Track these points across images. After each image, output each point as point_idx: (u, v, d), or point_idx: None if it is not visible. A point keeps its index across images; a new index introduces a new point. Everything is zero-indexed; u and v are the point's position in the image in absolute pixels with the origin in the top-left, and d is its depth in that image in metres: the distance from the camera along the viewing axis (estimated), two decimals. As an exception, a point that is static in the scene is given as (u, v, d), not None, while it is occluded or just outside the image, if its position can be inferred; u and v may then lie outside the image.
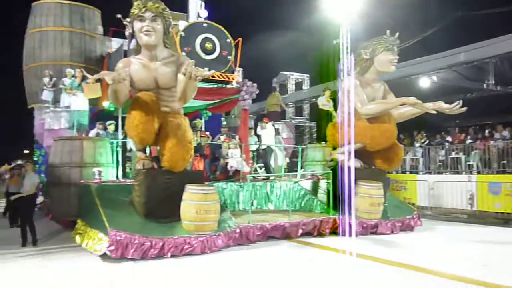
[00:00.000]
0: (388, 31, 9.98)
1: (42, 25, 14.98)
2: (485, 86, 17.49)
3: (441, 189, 13.27)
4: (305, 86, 24.67)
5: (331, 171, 9.91)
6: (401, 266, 6.49)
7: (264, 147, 12.76)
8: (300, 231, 8.87)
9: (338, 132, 10.27)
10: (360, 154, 10.18)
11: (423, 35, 20.73)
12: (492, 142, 14.23)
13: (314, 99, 22.97)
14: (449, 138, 16.22)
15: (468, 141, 15.33)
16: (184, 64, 7.09)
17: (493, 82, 17.11)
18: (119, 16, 8.19)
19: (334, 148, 10.71)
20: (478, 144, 14.67)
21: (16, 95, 16.12)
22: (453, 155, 14.70)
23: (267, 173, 12.03)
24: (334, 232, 9.15)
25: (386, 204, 9.87)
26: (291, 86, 25.19)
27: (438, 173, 14.57)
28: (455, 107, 9.26)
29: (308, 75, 25.57)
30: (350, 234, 8.61)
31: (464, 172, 14.02)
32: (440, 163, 14.97)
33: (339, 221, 9.13)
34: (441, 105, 9.33)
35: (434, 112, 9.23)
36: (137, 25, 7.83)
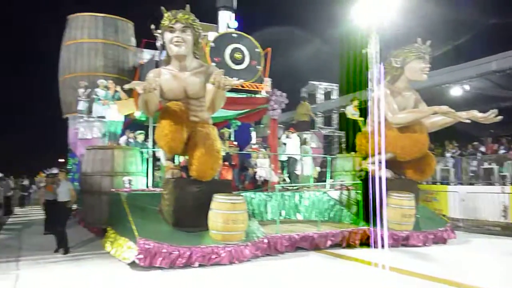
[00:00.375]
0: (419, 39, 9.80)
1: (77, 37, 15.45)
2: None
3: (473, 201, 12.86)
4: (334, 96, 24.55)
5: (361, 182, 9.74)
6: (433, 280, 6.29)
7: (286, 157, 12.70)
8: (329, 242, 8.74)
9: (368, 142, 10.12)
10: (390, 164, 9.97)
11: (454, 43, 20.37)
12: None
13: (342, 109, 22.86)
14: (482, 148, 15.78)
15: (502, 151, 14.93)
16: (213, 74, 7.14)
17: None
18: (152, 26, 8.32)
19: (364, 158, 10.54)
20: (511, 154, 14.29)
21: (53, 105, 16.60)
22: (486, 165, 14.30)
23: (290, 182, 11.94)
24: (363, 243, 8.97)
25: (418, 216, 9.62)
26: (319, 96, 25.09)
27: (470, 184, 14.15)
28: (490, 116, 8.96)
29: (337, 84, 25.40)
30: (382, 246, 8.41)
31: (497, 183, 13.63)
32: (472, 174, 14.54)
33: (370, 232, 8.95)
34: (475, 114, 9.05)
35: (468, 121, 8.98)
36: (168, 36, 7.96)
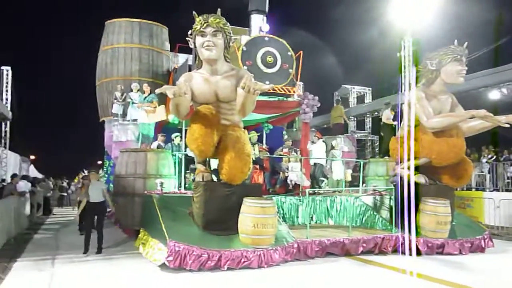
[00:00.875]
0: (456, 41, 9.51)
1: (114, 42, 15.84)
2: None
3: (509, 208, 12.39)
4: (367, 99, 24.23)
5: (394, 187, 9.54)
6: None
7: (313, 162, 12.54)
8: (361, 249, 8.58)
9: (402, 146, 9.89)
10: (426, 169, 9.74)
11: (492, 45, 19.78)
12: None
13: (376, 113, 22.63)
14: None
15: None
16: (243, 78, 7.15)
17: None
18: (188, 38, 8.40)
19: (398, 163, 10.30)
20: None
21: (92, 109, 17.08)
22: None
23: (312, 186, 11.77)
24: (396, 250, 8.76)
25: (454, 223, 9.33)
26: (352, 100, 24.84)
27: (507, 190, 13.66)
28: None
29: (370, 88, 25.09)
30: (410, 253, 8.18)
31: None
32: (509, 180, 14.05)
33: (399, 239, 8.74)
34: None
35: (507, 125, 8.62)
36: (199, 40, 8.03)
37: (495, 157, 15.35)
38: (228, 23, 8.18)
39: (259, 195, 8.27)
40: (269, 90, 8.11)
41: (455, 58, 9.29)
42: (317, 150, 12.45)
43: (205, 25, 7.88)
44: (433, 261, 8.20)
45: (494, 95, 17.00)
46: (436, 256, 8.72)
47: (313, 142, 12.66)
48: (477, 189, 14.32)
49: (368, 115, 23.81)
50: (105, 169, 15.50)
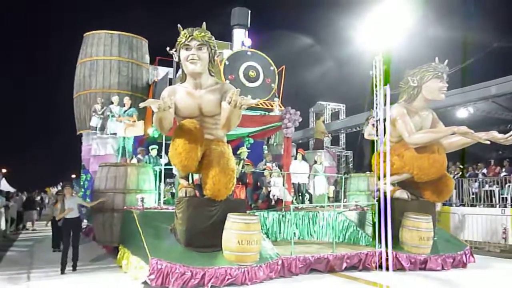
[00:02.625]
0: (436, 58, 9.67)
1: (93, 55, 15.58)
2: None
3: (474, 222, 12.77)
4: (342, 116, 24.59)
5: (377, 202, 9.53)
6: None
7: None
8: (345, 265, 8.51)
9: (385, 162, 9.93)
10: (407, 185, 9.80)
11: (459, 66, 20.33)
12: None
13: (349, 129, 23.15)
14: (484, 170, 15.91)
15: (503, 174, 14.87)
16: (229, 93, 7.06)
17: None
18: (171, 51, 8.30)
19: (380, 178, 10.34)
20: None
21: (67, 122, 16.73)
22: (487, 187, 14.30)
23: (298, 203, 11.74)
24: (381, 266, 8.72)
25: (435, 238, 9.37)
26: (327, 116, 25.15)
27: (471, 205, 13.97)
28: (510, 137, 8.74)
29: (344, 104, 25.53)
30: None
31: (498, 205, 13.67)
32: (473, 195, 14.40)
33: (383, 254, 8.72)
34: (495, 135, 8.79)
35: (487, 142, 8.75)
36: (183, 53, 7.92)
37: (460, 173, 15.77)
38: (213, 37, 8.11)
39: (243, 211, 8.15)
40: (256, 104, 8.05)
41: (437, 75, 9.41)
42: (300, 169, 12.38)
43: (190, 38, 7.79)
44: (418, 277, 8.20)
45: (462, 113, 17.53)
46: (419, 272, 8.73)
47: (295, 158, 12.62)
48: (444, 204, 14.50)
49: (342, 131, 24.21)
50: (81, 183, 15.11)
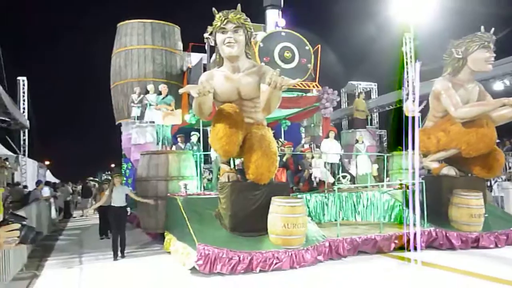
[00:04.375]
0: (482, 27, 9.19)
1: (127, 44, 15.72)
2: None
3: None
4: (374, 95, 24.09)
5: (423, 181, 9.24)
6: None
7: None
8: (393, 245, 8.32)
9: (429, 139, 9.62)
10: (455, 161, 9.46)
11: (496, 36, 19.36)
12: None
13: (382, 108, 22.73)
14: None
15: None
16: (269, 74, 6.91)
17: None
18: (206, 35, 8.18)
19: (425, 156, 10.02)
20: None
21: (106, 112, 17.02)
22: None
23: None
24: (430, 246, 8.50)
25: (486, 215, 9.01)
26: (357, 97, 24.63)
27: (508, 180, 13.44)
28: None
29: (376, 83, 24.92)
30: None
31: None
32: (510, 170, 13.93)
33: (432, 234, 8.49)
34: None
35: (540, 114, 8.30)
36: (220, 37, 7.80)
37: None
38: (248, 19, 7.94)
39: (287, 194, 8.06)
40: (293, 86, 7.87)
41: (483, 45, 8.95)
42: (332, 148, 12.11)
43: (225, 21, 7.65)
44: (470, 256, 7.92)
45: (498, 86, 16.94)
46: (471, 250, 8.44)
47: (327, 137, 12.36)
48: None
49: (375, 110, 23.70)
50: (123, 172, 15.38)
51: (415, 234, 7.92)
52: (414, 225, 7.69)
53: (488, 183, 11.70)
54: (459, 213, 8.73)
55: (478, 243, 8.58)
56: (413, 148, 10.81)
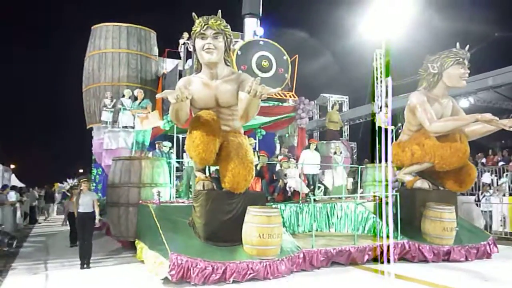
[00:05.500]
0: (457, 44, 9.38)
1: (101, 47, 15.38)
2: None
3: (472, 211, 12.40)
4: (345, 108, 24.43)
5: (396, 193, 9.31)
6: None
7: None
8: (366, 257, 8.33)
9: (404, 151, 9.72)
10: (428, 174, 9.58)
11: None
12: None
13: (352, 121, 23.78)
14: (483, 160, 16.17)
15: (501, 163, 15.28)
16: (248, 82, 6.82)
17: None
18: (183, 40, 8.07)
19: (399, 169, 10.12)
20: (510, 166, 14.62)
21: (76, 116, 16.61)
22: (485, 178, 14.45)
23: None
24: (403, 258, 8.55)
25: (457, 229, 9.12)
26: (330, 108, 24.96)
27: (471, 194, 13.84)
28: None
29: (347, 96, 25.38)
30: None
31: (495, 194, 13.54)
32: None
33: (406, 246, 8.54)
34: None
35: (512, 129, 8.49)
36: (199, 43, 7.68)
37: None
38: (228, 25, 7.85)
39: (263, 203, 7.96)
40: (272, 94, 7.82)
41: (458, 61, 9.14)
42: (313, 159, 12.09)
43: (205, 27, 7.54)
44: (442, 269, 7.99)
45: (463, 103, 17.58)
46: (443, 263, 8.52)
47: (306, 148, 12.34)
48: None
49: (346, 123, 24.04)
50: (93, 178, 14.98)
51: (388, 247, 7.97)
52: (388, 237, 7.74)
53: (476, 197, 11.89)
54: (431, 226, 8.82)
55: (450, 256, 8.68)
56: (386, 161, 10.91)
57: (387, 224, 7.81)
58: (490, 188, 13.21)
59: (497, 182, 14.17)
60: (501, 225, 12.33)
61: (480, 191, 11.73)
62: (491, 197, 12.64)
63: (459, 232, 9.10)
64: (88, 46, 15.96)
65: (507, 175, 14.41)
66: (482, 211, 11.97)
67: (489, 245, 9.11)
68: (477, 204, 12.06)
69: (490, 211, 11.84)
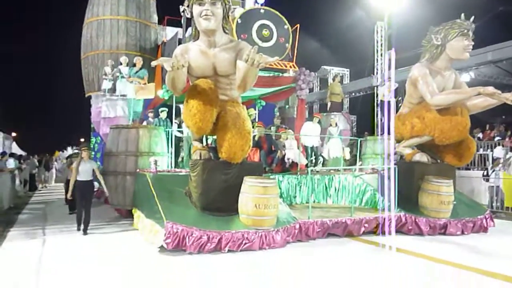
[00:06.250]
0: (462, 15, 9.14)
1: (99, 14, 15.16)
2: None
3: (467, 185, 12.50)
4: (346, 80, 24.21)
5: (395, 166, 9.24)
6: (481, 273, 5.85)
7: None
8: (363, 229, 8.34)
9: (404, 125, 9.62)
10: (428, 148, 9.51)
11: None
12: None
13: (353, 93, 23.53)
14: (480, 135, 16.21)
15: (497, 139, 15.37)
16: (245, 51, 6.66)
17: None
18: (182, 7, 7.86)
19: (398, 141, 10.04)
20: (506, 142, 14.57)
21: (75, 84, 16.47)
22: (481, 151, 14.31)
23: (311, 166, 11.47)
24: (399, 231, 8.55)
25: (455, 203, 9.11)
26: (331, 81, 24.74)
27: (466, 169, 13.80)
28: None
29: (348, 69, 25.11)
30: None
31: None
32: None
33: (402, 219, 8.53)
34: None
35: (513, 103, 8.34)
36: (196, 9, 7.48)
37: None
38: (227, -9, 7.64)
39: (260, 174, 7.91)
40: (270, 65, 7.63)
41: (462, 32, 8.93)
42: (312, 131, 12.02)
43: (203, -7, 7.33)
44: (437, 242, 8.00)
45: (463, 78, 17.30)
46: (438, 236, 8.53)
47: (311, 120, 12.26)
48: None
49: (347, 96, 23.89)
50: (92, 146, 14.95)
51: (387, 219, 7.98)
52: (389, 210, 7.75)
53: (485, 172, 11.82)
54: (429, 199, 8.80)
55: (446, 229, 8.68)
56: (388, 133, 10.85)
57: (389, 198, 7.91)
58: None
59: (493, 157, 14.23)
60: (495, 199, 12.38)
61: (490, 166, 11.58)
62: (500, 172, 12.67)
63: (456, 205, 9.08)
64: (86, 12, 15.71)
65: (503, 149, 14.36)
66: (489, 186, 11.86)
67: (486, 219, 9.09)
68: (486, 180, 11.97)
69: (498, 186, 11.73)
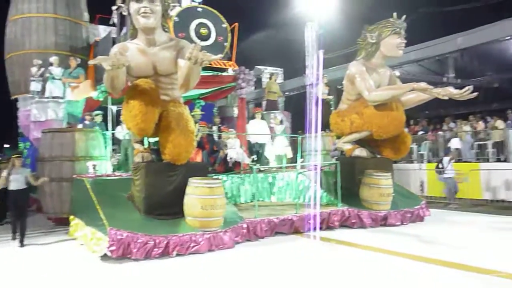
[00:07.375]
0: (395, 14, 9.53)
1: (25, 11, 14.22)
2: (445, 79, 19.83)
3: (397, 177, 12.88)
4: (279, 80, 24.68)
5: (337, 161, 9.47)
6: (422, 260, 6.10)
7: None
8: (308, 225, 8.44)
9: (343, 121, 9.87)
10: (367, 142, 9.81)
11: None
12: (440, 133, 16.16)
13: (287, 93, 24.54)
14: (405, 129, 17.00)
15: (420, 133, 16.90)
16: (188, 48, 6.51)
17: (454, 75, 19.98)
18: (118, 3, 7.55)
19: (338, 137, 10.28)
20: (428, 135, 16.27)
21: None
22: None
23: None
24: (343, 225, 8.76)
25: (393, 194, 9.47)
26: (265, 80, 25.12)
27: (395, 162, 14.63)
28: (465, 93, 8.82)
29: (282, 69, 25.62)
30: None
31: (415, 161, 15.38)
32: None
33: (346, 213, 8.76)
34: (451, 91, 8.84)
35: (445, 98, 8.82)
36: (134, 6, 7.21)
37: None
38: (165, -11, 7.43)
39: (205, 174, 7.78)
40: (209, 64, 7.49)
41: (395, 31, 9.32)
42: (260, 128, 12.01)
43: (141, -11, 7.08)
44: (379, 233, 8.27)
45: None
46: (380, 227, 8.83)
47: (252, 118, 12.25)
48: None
49: (286, 94, 24.41)
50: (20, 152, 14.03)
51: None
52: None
53: (440, 165, 12.36)
54: (370, 192, 9.08)
55: (386, 221, 9.00)
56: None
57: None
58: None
59: (417, 150, 15.72)
60: (420, 190, 13.71)
61: (449, 158, 12.17)
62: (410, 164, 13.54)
63: (395, 197, 9.45)
64: (9, 9, 14.70)
65: (426, 143, 15.70)
66: (444, 178, 12.38)
67: (422, 209, 9.55)
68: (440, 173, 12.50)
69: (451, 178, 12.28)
